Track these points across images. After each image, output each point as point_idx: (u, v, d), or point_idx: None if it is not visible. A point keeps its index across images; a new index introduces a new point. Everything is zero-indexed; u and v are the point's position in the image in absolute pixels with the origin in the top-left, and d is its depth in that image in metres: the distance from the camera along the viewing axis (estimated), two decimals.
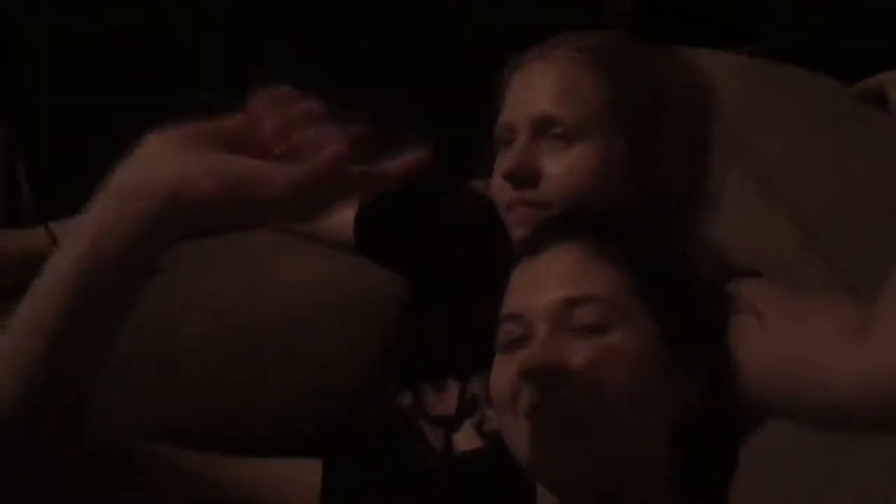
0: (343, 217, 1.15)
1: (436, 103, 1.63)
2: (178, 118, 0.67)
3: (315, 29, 1.80)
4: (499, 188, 1.01)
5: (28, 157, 1.67)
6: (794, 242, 0.95)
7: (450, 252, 1.12)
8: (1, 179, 1.59)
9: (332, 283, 1.17)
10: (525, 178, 0.98)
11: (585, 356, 0.78)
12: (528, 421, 0.78)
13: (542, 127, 0.98)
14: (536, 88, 0.99)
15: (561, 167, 0.97)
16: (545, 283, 0.82)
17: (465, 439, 0.99)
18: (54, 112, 1.67)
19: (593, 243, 0.83)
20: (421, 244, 1.14)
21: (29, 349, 0.67)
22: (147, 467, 0.82)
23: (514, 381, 0.79)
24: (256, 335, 1.14)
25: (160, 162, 0.65)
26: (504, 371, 0.81)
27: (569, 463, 0.77)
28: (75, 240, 0.67)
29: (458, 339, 1.04)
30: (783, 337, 0.86)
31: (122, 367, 1.08)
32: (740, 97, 1.06)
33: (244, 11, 1.78)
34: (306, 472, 0.86)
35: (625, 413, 0.78)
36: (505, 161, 1.00)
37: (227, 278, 1.17)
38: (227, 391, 1.13)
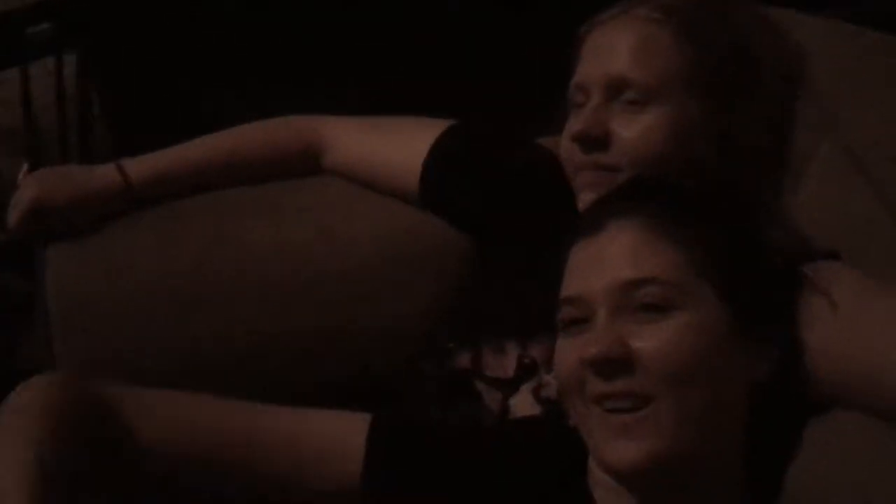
0: (409, 170, 1.13)
1: (511, 59, 1.59)
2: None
3: None
4: (568, 150, 0.98)
5: (103, 87, 1.68)
6: (881, 225, 0.91)
7: (515, 209, 1.10)
8: (74, 110, 1.60)
9: (396, 237, 1.16)
10: (595, 140, 0.95)
11: (648, 340, 0.77)
12: (596, 409, 0.77)
13: (616, 89, 0.95)
14: (612, 49, 0.96)
15: (633, 131, 0.94)
16: (605, 265, 0.80)
17: (522, 404, 0.98)
18: (131, 44, 1.66)
19: (656, 219, 0.81)
20: (487, 199, 1.12)
21: None
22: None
23: (578, 368, 0.78)
24: (317, 283, 1.14)
25: None
26: (567, 355, 0.80)
27: (640, 448, 0.76)
28: None
29: (519, 300, 1.03)
30: (857, 326, 0.83)
31: (183, 313, 1.12)
32: (834, 66, 1.00)
33: None
34: (353, 425, 0.86)
35: (693, 394, 0.77)
36: (576, 123, 0.97)
37: (290, 227, 1.17)
38: (287, 337, 1.13)
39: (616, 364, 0.76)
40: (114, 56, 1.66)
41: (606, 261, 0.80)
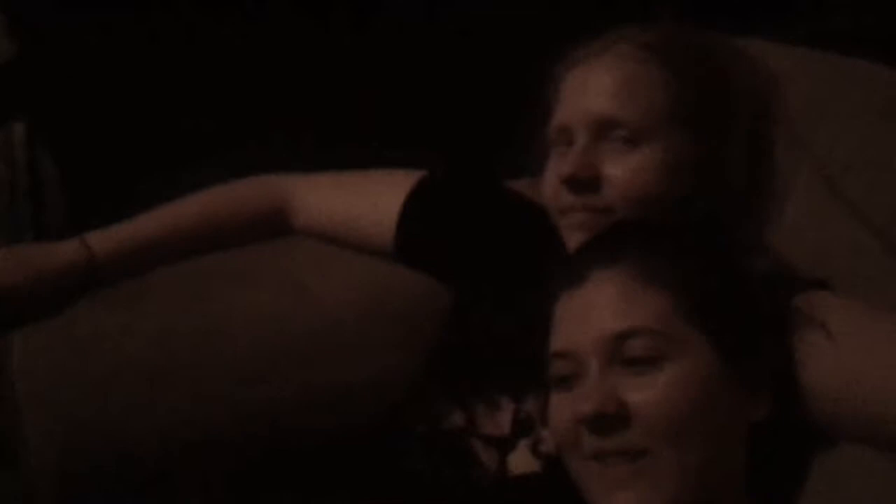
0: (383, 225, 1.11)
1: (480, 102, 1.58)
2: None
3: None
4: (554, 191, 0.95)
5: (57, 155, 1.63)
6: (867, 251, 0.90)
7: (495, 256, 1.08)
8: (24, 180, 1.56)
9: (372, 292, 1.14)
10: (586, 182, 0.92)
11: (642, 394, 0.76)
12: (594, 465, 0.75)
13: (604, 129, 0.92)
14: (597, 88, 0.93)
15: (626, 171, 0.91)
16: (591, 317, 0.78)
17: (521, 461, 0.96)
18: (81, 112, 1.63)
19: (640, 266, 0.79)
20: (466, 249, 1.10)
21: None
22: None
23: (572, 425, 0.77)
24: (295, 345, 1.12)
25: None
26: (560, 413, 0.79)
27: (639, 500, 0.74)
28: None
29: (506, 351, 1.00)
30: (855, 356, 0.82)
31: (159, 376, 1.08)
32: (805, 93, 1.01)
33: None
34: None
35: (691, 445, 0.76)
36: (563, 165, 0.94)
37: (266, 289, 1.14)
38: (266, 402, 1.11)
39: (611, 419, 0.75)
40: (64, 124, 1.63)
41: (593, 313, 0.78)
